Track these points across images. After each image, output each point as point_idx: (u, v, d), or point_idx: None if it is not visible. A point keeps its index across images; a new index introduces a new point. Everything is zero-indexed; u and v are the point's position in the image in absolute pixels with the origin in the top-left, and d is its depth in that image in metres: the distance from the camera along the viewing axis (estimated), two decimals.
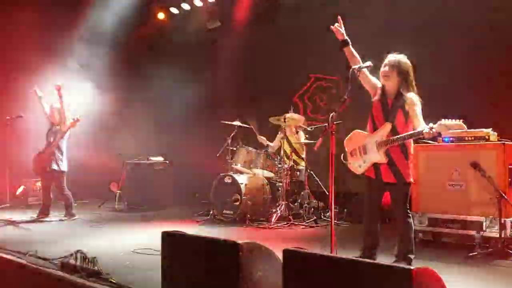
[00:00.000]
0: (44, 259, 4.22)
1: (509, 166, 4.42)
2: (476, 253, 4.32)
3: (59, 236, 5.64)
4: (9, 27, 8.41)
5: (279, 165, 6.74)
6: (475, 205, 4.52)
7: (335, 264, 2.34)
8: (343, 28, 3.93)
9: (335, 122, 3.57)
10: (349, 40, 3.96)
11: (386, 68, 3.82)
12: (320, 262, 2.39)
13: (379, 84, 3.96)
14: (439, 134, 3.93)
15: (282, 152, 6.78)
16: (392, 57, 3.87)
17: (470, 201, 4.58)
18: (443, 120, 3.45)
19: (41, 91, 7.18)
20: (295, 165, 6.95)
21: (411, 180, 3.85)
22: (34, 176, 8.68)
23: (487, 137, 4.61)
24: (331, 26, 3.96)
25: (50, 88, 7.04)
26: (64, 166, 6.99)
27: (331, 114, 3.55)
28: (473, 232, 4.49)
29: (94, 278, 3.57)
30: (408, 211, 3.88)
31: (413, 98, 3.75)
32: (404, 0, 6.91)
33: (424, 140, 4.81)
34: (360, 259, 2.77)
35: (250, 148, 7.00)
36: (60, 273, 3.80)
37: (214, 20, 9.46)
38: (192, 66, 9.34)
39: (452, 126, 3.45)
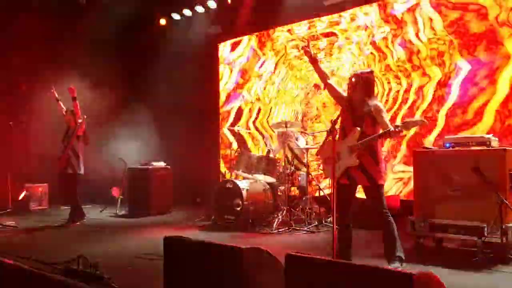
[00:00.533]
0: (47, 264, 4.23)
1: (510, 172, 4.42)
2: (477, 258, 4.31)
3: (61, 241, 5.65)
4: (12, 32, 8.45)
5: (281, 170, 6.75)
6: (476, 210, 4.50)
7: (337, 269, 2.35)
8: (310, 48, 4.26)
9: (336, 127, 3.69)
10: (317, 59, 4.30)
11: (352, 81, 4.11)
12: (322, 267, 2.40)
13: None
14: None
15: (283, 157, 6.78)
16: (356, 72, 4.27)
17: (471, 206, 4.56)
18: (406, 118, 3.65)
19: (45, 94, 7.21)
20: (296, 170, 6.95)
21: (383, 182, 4.06)
22: (36, 181, 8.73)
23: (488, 142, 4.62)
24: (301, 47, 4.29)
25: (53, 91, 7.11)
26: (80, 169, 6.94)
27: (333, 119, 3.79)
28: (474, 238, 4.48)
29: (96, 283, 3.59)
30: (386, 211, 4.00)
31: (377, 104, 4.04)
32: None
33: (428, 147, 4.84)
34: (361, 264, 2.77)
35: (252, 153, 7.00)
36: (62, 278, 3.81)
37: (215, 26, 9.50)
38: (194, 72, 9.36)
39: (415, 122, 3.83)
